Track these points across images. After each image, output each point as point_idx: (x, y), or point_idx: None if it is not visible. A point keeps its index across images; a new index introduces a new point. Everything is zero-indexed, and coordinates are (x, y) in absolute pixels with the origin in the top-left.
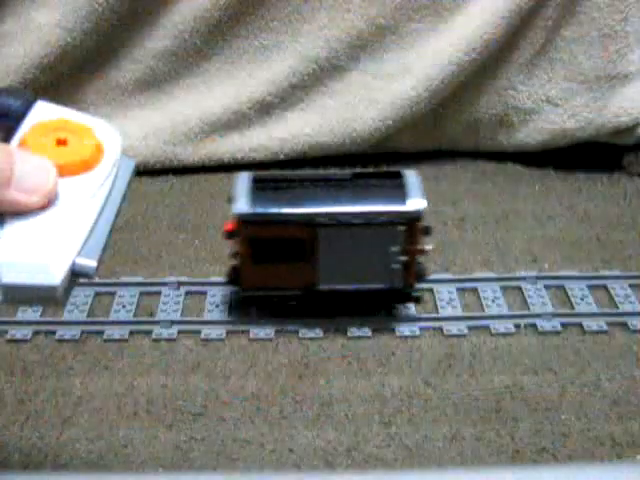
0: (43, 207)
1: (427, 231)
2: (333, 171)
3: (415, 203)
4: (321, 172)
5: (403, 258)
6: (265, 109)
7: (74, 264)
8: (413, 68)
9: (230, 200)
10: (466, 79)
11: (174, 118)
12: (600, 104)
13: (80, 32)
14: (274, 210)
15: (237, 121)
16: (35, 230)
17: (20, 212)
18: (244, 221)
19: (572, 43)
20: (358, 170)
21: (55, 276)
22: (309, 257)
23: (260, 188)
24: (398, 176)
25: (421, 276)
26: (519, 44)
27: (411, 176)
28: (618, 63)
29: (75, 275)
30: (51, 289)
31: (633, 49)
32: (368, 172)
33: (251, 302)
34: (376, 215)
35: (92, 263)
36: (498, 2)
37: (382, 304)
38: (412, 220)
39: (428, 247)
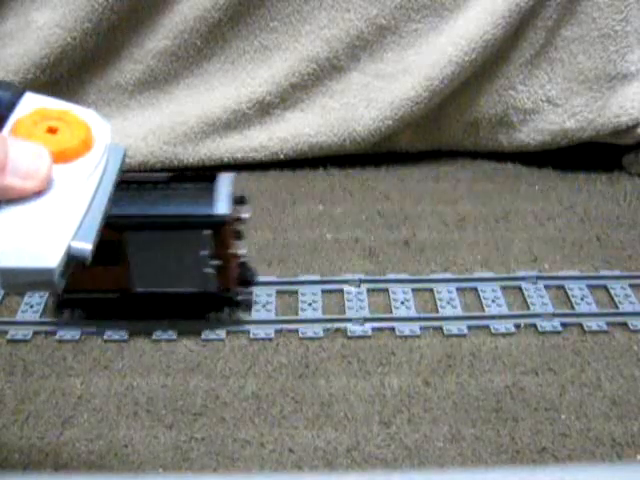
0: (39, 192)
1: (239, 235)
2: (149, 174)
3: (221, 207)
4: (137, 174)
5: (215, 262)
6: (265, 109)
7: (70, 247)
8: (413, 68)
9: None
10: (466, 79)
11: (174, 118)
12: (600, 104)
13: (80, 32)
14: None
15: (237, 121)
16: (31, 215)
17: (16, 197)
18: None
19: (572, 43)
20: (175, 173)
21: (52, 259)
22: (123, 260)
23: None
24: (212, 179)
25: (246, 280)
26: (519, 44)
27: (224, 180)
28: (618, 63)
29: (71, 258)
30: (48, 272)
31: (633, 49)
32: (184, 175)
33: (71, 304)
34: (181, 219)
35: (87, 246)
36: (498, 2)
37: (200, 308)
38: (219, 224)
39: (242, 251)
